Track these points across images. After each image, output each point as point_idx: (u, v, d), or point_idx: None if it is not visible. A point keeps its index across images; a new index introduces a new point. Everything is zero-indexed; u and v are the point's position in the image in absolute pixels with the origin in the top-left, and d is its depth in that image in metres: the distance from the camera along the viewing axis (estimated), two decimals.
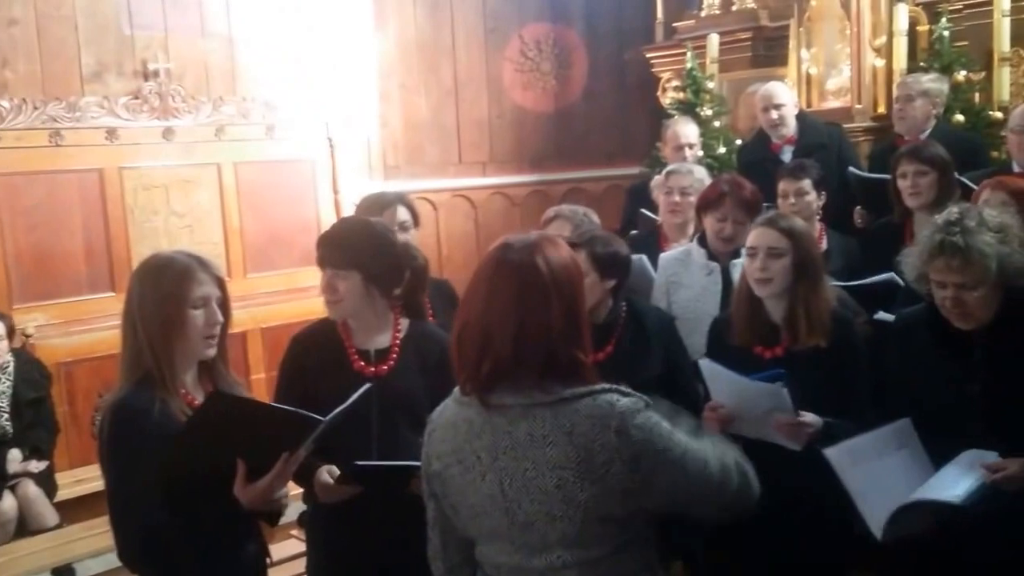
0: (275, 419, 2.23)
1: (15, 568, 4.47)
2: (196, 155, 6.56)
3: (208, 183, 6.62)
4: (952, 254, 2.46)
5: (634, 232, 4.81)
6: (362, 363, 2.72)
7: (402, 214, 3.49)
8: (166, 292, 2.28)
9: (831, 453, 2.56)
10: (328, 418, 2.23)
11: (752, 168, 4.99)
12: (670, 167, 4.38)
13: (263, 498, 2.23)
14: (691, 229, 4.16)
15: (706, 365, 2.81)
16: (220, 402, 2.21)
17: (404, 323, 2.81)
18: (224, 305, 2.37)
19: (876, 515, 2.46)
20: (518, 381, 1.82)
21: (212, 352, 2.37)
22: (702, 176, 4.23)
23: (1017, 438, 2.43)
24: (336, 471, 2.53)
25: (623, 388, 1.84)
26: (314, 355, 2.75)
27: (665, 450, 1.80)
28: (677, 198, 4.14)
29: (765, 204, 4.11)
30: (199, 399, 2.34)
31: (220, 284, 2.37)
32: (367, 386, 2.47)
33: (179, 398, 2.29)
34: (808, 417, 2.68)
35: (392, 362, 2.73)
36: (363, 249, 2.69)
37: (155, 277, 2.30)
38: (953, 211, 2.56)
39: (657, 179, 4.55)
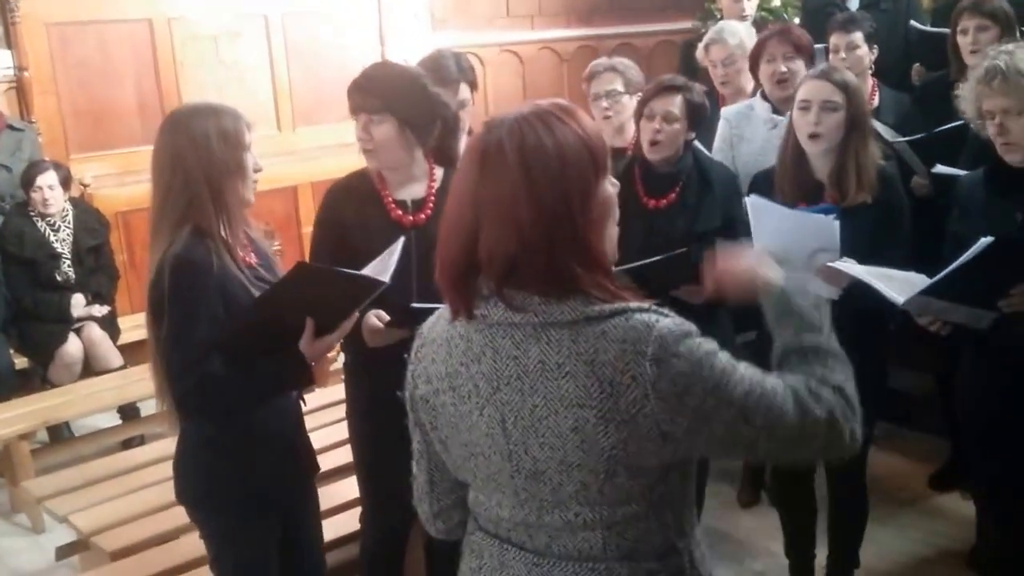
0: (346, 283, 2.27)
1: (82, 406, 4.70)
2: (243, 5, 6.51)
3: (256, 35, 6.60)
4: (993, 76, 2.51)
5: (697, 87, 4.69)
6: (399, 213, 2.71)
7: (463, 92, 3.36)
8: (230, 138, 2.29)
9: (835, 263, 2.57)
10: (388, 280, 2.28)
11: (816, 15, 4.85)
12: (708, 38, 4.26)
13: (327, 352, 2.32)
14: (749, 89, 4.10)
15: (754, 201, 2.79)
16: (305, 272, 2.23)
17: (439, 172, 2.79)
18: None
19: (891, 292, 2.49)
20: (522, 292, 1.44)
21: (253, 198, 2.39)
22: (743, 37, 4.12)
23: None
24: (384, 316, 2.55)
25: (664, 309, 1.45)
26: (351, 206, 2.73)
27: (718, 386, 1.40)
28: (722, 70, 4.09)
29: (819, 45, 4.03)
30: (241, 251, 2.37)
31: (249, 130, 2.38)
32: (401, 240, 2.48)
33: (232, 250, 2.32)
34: (851, 262, 2.67)
35: (429, 210, 2.72)
36: (396, 92, 2.64)
37: (215, 124, 2.29)
38: (1008, 44, 2.61)
39: (700, 51, 4.45)
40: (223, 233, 2.31)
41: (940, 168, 3.30)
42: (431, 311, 2.58)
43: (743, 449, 1.49)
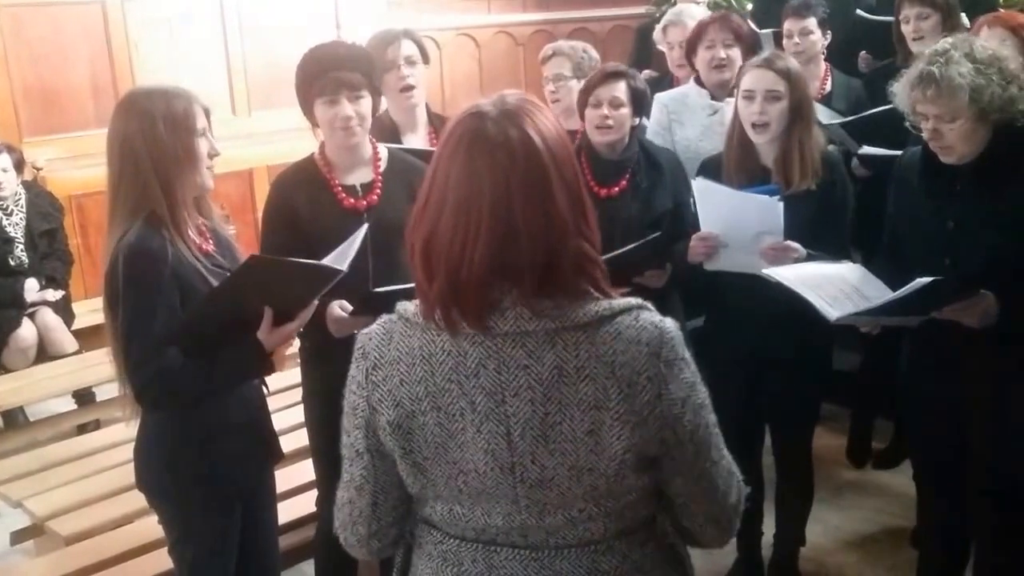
0: (302, 272, 2.25)
1: (37, 391, 4.67)
2: None
3: (210, 17, 6.54)
4: (928, 84, 2.42)
5: (648, 72, 4.76)
6: (351, 200, 2.69)
7: (407, 48, 3.29)
8: (178, 122, 2.24)
9: (767, 272, 2.60)
10: (346, 267, 2.27)
11: (770, 4, 4.92)
12: (667, 20, 4.30)
13: (286, 341, 2.31)
14: None
15: (700, 183, 2.84)
16: (258, 265, 2.20)
17: (383, 153, 2.77)
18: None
19: (825, 304, 2.50)
20: (525, 297, 1.39)
21: (212, 183, 2.36)
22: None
23: (981, 277, 2.41)
24: (347, 305, 2.53)
25: (649, 304, 1.47)
26: (302, 195, 2.69)
27: (703, 407, 1.46)
28: (679, 53, 4.13)
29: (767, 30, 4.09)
30: (197, 239, 2.34)
31: (207, 114, 2.35)
32: (365, 227, 2.46)
33: (186, 238, 2.28)
34: (794, 244, 2.73)
35: (378, 192, 2.71)
36: (368, 67, 2.64)
37: (163, 107, 2.24)
38: (946, 41, 2.49)
39: (658, 33, 4.50)
40: (177, 220, 2.27)
41: (867, 149, 3.37)
42: (393, 294, 2.58)
43: (680, 487, 1.52)
